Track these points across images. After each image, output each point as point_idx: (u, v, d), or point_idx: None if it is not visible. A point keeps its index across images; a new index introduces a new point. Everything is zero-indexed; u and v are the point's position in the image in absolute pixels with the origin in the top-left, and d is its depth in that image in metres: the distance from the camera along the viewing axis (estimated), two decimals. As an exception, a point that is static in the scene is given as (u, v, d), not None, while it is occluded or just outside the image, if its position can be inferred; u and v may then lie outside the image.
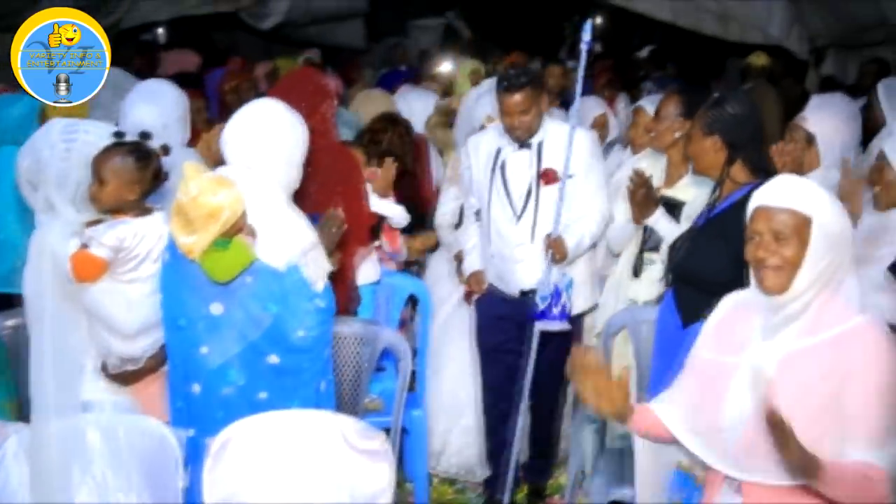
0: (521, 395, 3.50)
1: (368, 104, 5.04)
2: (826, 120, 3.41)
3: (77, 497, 2.39)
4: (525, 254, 3.52)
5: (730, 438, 2.04)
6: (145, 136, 2.75)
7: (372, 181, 3.73)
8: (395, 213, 3.84)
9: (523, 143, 3.51)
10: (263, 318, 2.52)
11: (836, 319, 2.00)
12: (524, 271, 3.54)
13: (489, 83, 4.29)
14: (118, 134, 2.72)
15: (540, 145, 3.49)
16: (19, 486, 2.38)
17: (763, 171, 2.78)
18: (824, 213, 2.00)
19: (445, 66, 7.47)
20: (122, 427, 2.45)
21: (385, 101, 5.13)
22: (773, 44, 7.36)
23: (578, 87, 3.29)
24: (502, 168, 3.54)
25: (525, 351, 3.50)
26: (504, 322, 3.66)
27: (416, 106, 5.03)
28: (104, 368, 2.71)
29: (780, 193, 2.03)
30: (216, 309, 2.52)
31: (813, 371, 1.98)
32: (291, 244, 2.55)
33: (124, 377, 2.71)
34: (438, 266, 4.27)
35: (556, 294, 3.38)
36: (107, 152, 2.63)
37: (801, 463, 1.85)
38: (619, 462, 3.13)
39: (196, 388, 2.56)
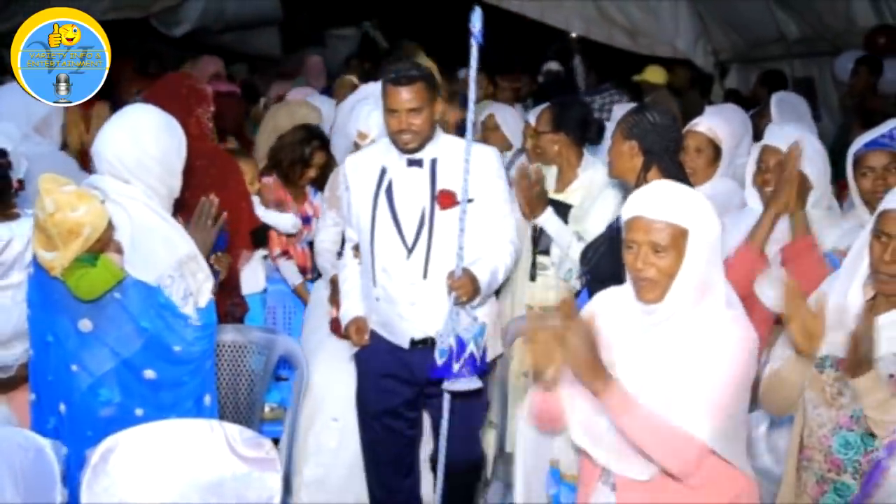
0: (437, 470, 2.99)
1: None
2: (724, 128, 3.47)
3: (-54, 514, 2.29)
4: (417, 295, 2.93)
5: (607, 434, 2.08)
6: None
7: (263, 192, 3.72)
8: (281, 221, 3.80)
9: (413, 160, 2.95)
10: (136, 336, 2.45)
11: (706, 315, 2.06)
12: (416, 316, 2.95)
13: (367, 89, 3.79)
14: None
15: (434, 162, 2.94)
16: None
17: (678, 179, 2.81)
18: (700, 223, 2.05)
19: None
20: (-4, 440, 2.36)
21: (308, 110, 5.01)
22: (680, 57, 7.59)
23: (471, 93, 2.74)
24: (388, 191, 2.96)
25: (431, 415, 3.10)
26: (391, 381, 3.06)
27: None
28: (-26, 376, 2.62)
29: (657, 204, 2.06)
30: (85, 326, 2.44)
31: (686, 368, 2.03)
32: (164, 258, 2.47)
33: (-4, 385, 2.63)
34: (318, 291, 3.77)
35: (460, 344, 2.79)
36: None
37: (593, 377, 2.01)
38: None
39: (63, 407, 2.48)
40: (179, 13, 8.19)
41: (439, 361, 2.79)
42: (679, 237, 2.03)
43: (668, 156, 2.78)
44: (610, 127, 3.59)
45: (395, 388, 3.06)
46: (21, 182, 2.65)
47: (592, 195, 3.44)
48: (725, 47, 7.72)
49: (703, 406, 1.99)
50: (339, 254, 3.57)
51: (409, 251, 2.93)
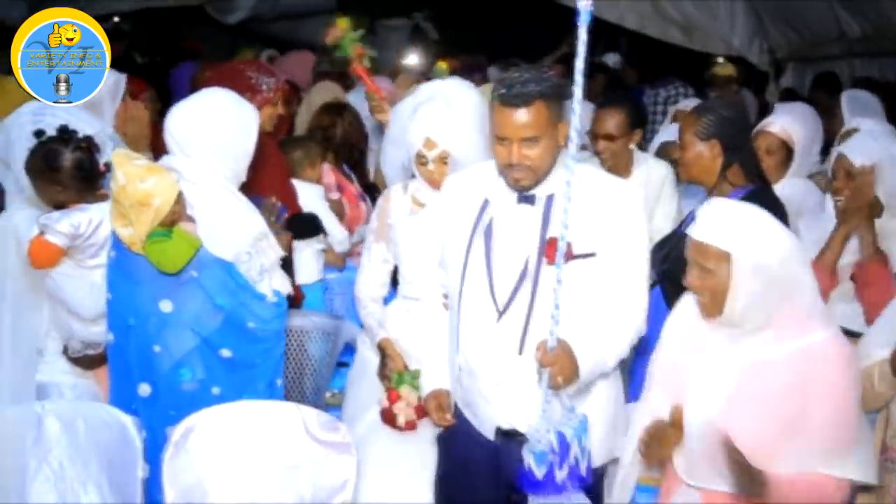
0: None
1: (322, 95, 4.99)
2: (799, 127, 3.40)
3: (32, 485, 2.36)
4: (507, 373, 2.25)
5: (693, 445, 2.08)
6: (64, 131, 2.64)
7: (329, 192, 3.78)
8: (336, 233, 3.83)
9: (524, 196, 2.26)
10: (215, 314, 2.49)
11: (799, 333, 2.03)
12: (504, 401, 2.28)
13: (429, 89, 3.05)
14: (38, 133, 2.63)
15: (549, 200, 2.23)
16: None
17: (759, 176, 2.76)
18: (746, 246, 1.99)
19: (412, 60, 7.02)
20: (82, 416, 2.42)
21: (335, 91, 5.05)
22: (735, 55, 7.51)
23: (578, 96, 2.02)
24: (488, 231, 2.29)
25: None
26: (473, 474, 2.40)
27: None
28: (66, 352, 2.69)
29: (704, 226, 2.05)
30: (166, 306, 2.48)
31: (775, 384, 2.01)
32: (241, 234, 2.53)
33: (86, 361, 2.69)
34: (363, 350, 3.05)
35: (562, 444, 2.11)
36: (29, 154, 2.62)
37: (749, 482, 1.96)
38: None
39: (146, 388, 2.52)
40: (235, 1, 8.28)
41: (537, 471, 2.09)
42: (722, 259, 2.00)
43: (746, 149, 2.71)
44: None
45: (478, 483, 2.39)
46: (108, 165, 2.70)
47: (653, 193, 3.41)
48: (782, 45, 7.61)
49: (841, 446, 2.01)
50: (386, 300, 2.98)
51: (501, 313, 2.25)
